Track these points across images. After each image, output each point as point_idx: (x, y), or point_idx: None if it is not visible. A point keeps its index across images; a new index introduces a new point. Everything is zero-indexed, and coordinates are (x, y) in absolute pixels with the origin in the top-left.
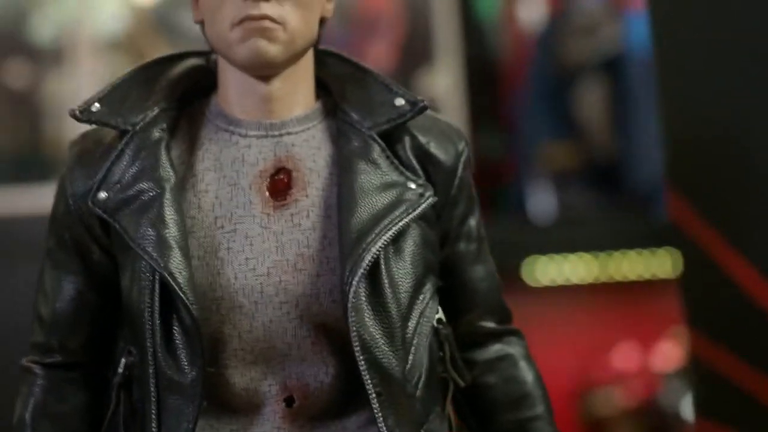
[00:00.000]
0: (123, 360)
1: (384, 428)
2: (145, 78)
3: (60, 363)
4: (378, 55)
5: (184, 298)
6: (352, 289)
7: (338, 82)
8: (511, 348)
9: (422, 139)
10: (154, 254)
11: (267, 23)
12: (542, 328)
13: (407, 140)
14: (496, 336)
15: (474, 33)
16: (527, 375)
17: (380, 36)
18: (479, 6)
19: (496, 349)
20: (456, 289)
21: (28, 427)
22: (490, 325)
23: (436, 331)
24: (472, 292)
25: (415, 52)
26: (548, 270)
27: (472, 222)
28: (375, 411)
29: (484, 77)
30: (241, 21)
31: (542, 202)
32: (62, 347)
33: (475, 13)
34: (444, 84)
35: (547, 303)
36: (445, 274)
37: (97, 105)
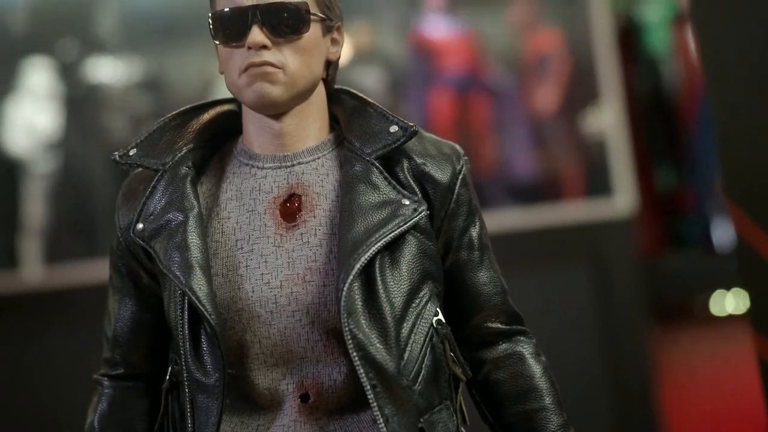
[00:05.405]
0: (170, 368)
1: (380, 416)
2: (177, 123)
3: (123, 375)
4: (545, 97)
5: (203, 310)
6: (344, 294)
7: (345, 116)
8: (519, 346)
9: (419, 160)
10: (179, 274)
11: (268, 68)
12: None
13: (405, 162)
14: (503, 335)
15: (642, 68)
16: (534, 370)
17: (547, 77)
18: (648, 41)
19: (503, 347)
20: (462, 295)
21: (95, 431)
22: (496, 325)
23: (436, 332)
24: (475, 295)
25: (581, 91)
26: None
27: (473, 233)
28: (371, 401)
29: (656, 111)
30: (247, 68)
31: (725, 232)
32: (124, 361)
33: (644, 48)
34: (610, 121)
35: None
36: (452, 281)
37: (134, 150)
